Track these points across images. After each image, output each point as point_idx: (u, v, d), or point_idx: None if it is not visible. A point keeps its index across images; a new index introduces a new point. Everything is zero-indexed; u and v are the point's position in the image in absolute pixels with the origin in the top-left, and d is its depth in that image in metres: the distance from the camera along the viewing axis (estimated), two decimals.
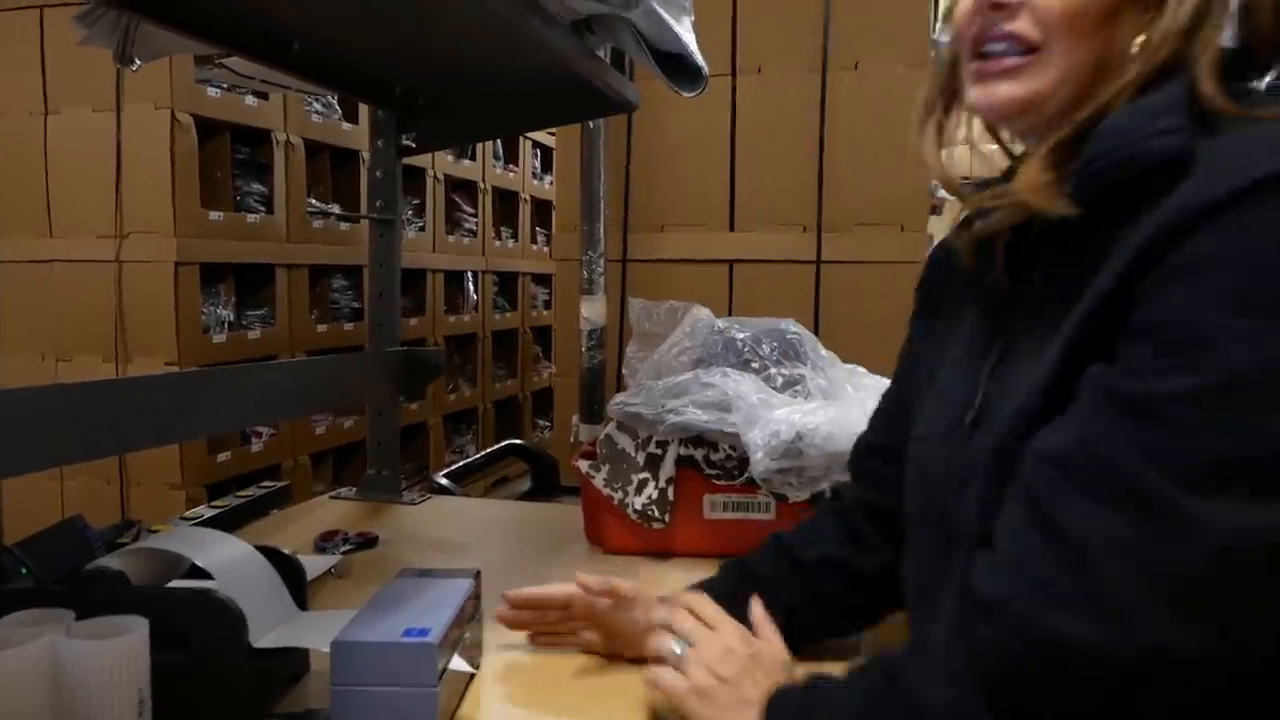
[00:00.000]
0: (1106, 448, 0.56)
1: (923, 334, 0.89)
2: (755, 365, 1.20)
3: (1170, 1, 0.64)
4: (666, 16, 1.16)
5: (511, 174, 4.07)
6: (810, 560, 0.92)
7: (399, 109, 1.53)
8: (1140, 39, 0.65)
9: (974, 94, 0.72)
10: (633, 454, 1.23)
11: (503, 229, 4.05)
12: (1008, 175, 0.78)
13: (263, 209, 2.38)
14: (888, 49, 2.25)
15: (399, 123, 1.54)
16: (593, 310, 2.27)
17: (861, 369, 1.29)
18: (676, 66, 1.28)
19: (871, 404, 1.17)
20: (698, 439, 1.20)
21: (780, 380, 1.19)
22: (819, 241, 2.26)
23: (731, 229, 2.33)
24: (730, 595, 0.92)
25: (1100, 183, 0.61)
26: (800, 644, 0.94)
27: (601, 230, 2.23)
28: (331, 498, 1.59)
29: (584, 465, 1.28)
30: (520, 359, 4.19)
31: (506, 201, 4.06)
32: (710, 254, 2.33)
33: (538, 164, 4.31)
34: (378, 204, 1.56)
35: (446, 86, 1.47)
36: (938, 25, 2.82)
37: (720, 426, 1.15)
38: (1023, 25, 0.68)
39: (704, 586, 0.95)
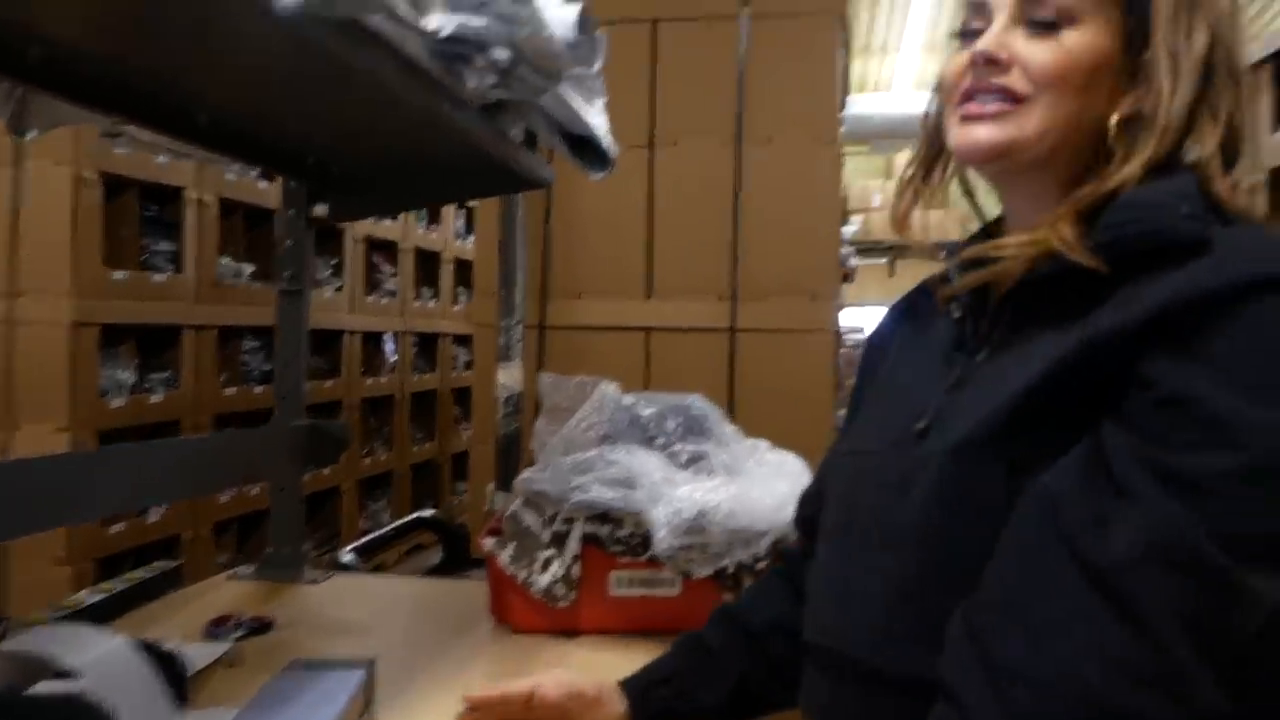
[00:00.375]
0: (1167, 524, 0.57)
1: (865, 383, 0.91)
2: (660, 441, 1.22)
3: (1161, 86, 0.70)
4: (576, 101, 1.18)
5: (434, 234, 4.06)
6: (760, 626, 0.92)
7: (311, 179, 1.51)
8: (1115, 117, 0.72)
9: (955, 135, 0.76)
10: (538, 531, 1.22)
11: (424, 289, 4.02)
12: (979, 237, 0.84)
13: (171, 268, 2.32)
14: (799, 125, 2.32)
15: (311, 192, 1.53)
16: (510, 377, 2.26)
17: (765, 444, 1.30)
18: (587, 147, 1.30)
19: (773, 480, 1.19)
20: (603, 516, 1.20)
21: (685, 457, 1.20)
22: (734, 309, 2.30)
23: (648, 297, 2.36)
24: (685, 671, 0.92)
25: (1128, 247, 0.66)
26: (753, 714, 0.93)
27: (519, 296, 2.22)
28: (228, 578, 1.53)
29: (489, 543, 1.26)
30: (439, 421, 4.13)
31: (428, 261, 4.04)
32: (627, 321, 2.35)
33: (461, 224, 4.31)
34: (286, 274, 1.53)
35: (360, 160, 1.46)
36: (845, 102, 2.93)
37: (625, 504, 1.15)
38: (1014, 80, 0.72)
39: (658, 665, 0.94)
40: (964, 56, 0.76)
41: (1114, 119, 0.71)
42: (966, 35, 0.77)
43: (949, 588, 0.66)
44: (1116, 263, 0.66)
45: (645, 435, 1.22)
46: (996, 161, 0.75)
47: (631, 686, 0.92)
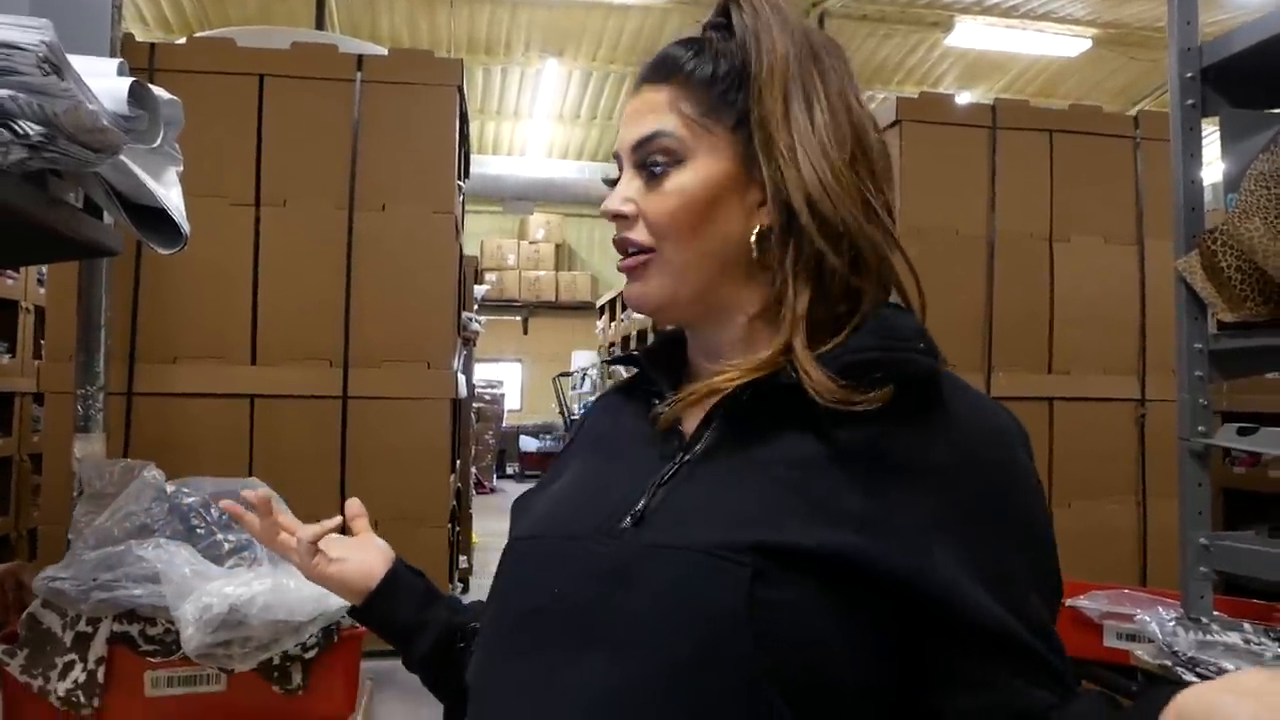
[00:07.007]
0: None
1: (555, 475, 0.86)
2: (201, 531, 1.17)
3: (783, 178, 0.71)
4: (140, 171, 1.11)
5: (10, 280, 3.56)
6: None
7: None
8: (752, 236, 0.72)
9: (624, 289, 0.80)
10: (59, 634, 1.12)
11: None
12: (662, 347, 0.83)
13: None
14: (414, 194, 2.35)
15: None
16: (88, 450, 2.02)
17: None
18: (161, 218, 1.22)
19: None
20: (132, 614, 1.13)
21: (226, 547, 1.17)
22: (345, 376, 2.25)
23: (254, 362, 2.24)
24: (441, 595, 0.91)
25: (891, 379, 0.67)
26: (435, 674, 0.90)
27: (102, 361, 2.01)
28: None
29: None
30: (15, 493, 3.60)
31: (4, 310, 3.53)
32: (229, 388, 2.21)
33: (44, 269, 3.81)
34: None
35: None
36: (466, 169, 3.02)
37: (154, 601, 1.09)
38: (639, 233, 0.74)
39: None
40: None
41: (752, 238, 0.73)
42: (613, 183, 0.78)
43: (667, 694, 0.62)
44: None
45: (187, 525, 1.16)
46: (660, 314, 0.77)
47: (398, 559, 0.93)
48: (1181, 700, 0.49)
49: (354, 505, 0.95)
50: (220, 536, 1.15)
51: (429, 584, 0.93)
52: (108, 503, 1.18)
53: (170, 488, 1.19)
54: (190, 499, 1.17)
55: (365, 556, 0.91)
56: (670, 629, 0.63)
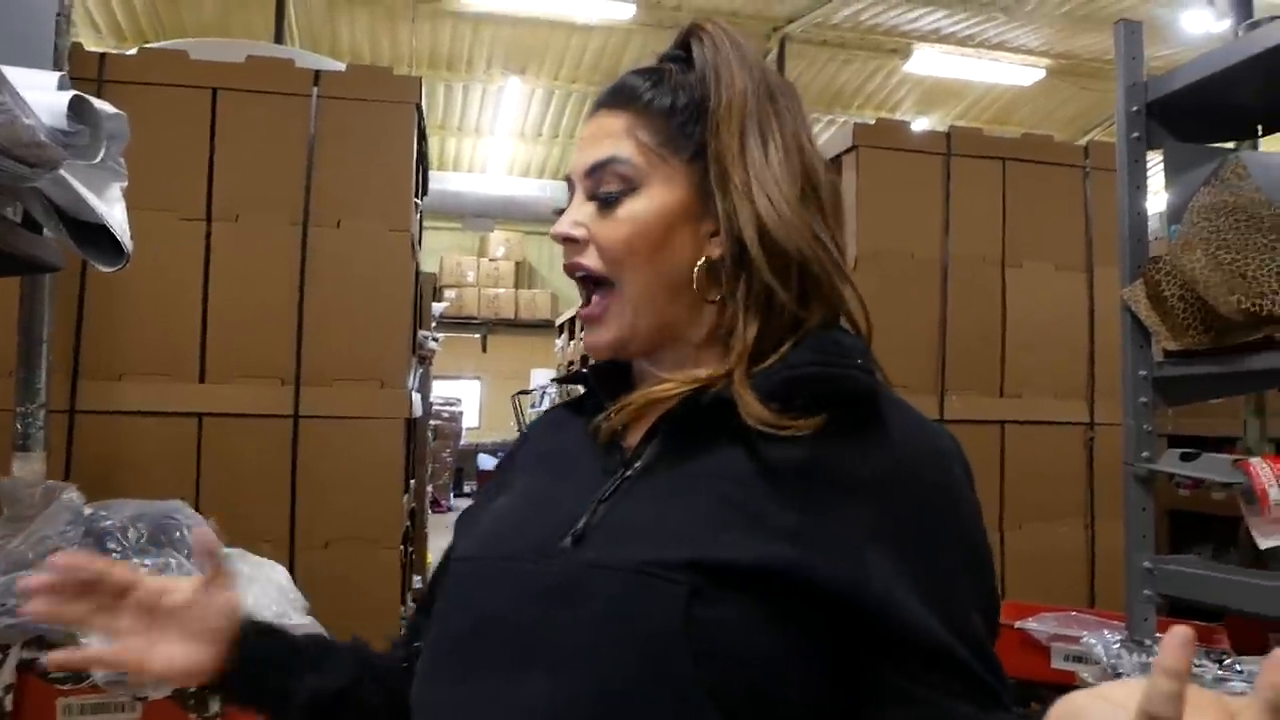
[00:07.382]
0: None
1: (495, 491, 0.85)
2: (118, 554, 1.14)
3: (737, 210, 0.71)
4: (80, 187, 1.09)
5: None
6: (380, 671, 0.82)
7: None
8: (698, 266, 0.72)
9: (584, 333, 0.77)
10: None
11: None
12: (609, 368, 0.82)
13: None
14: (371, 211, 2.32)
15: None
16: (27, 470, 1.97)
17: (240, 551, 1.27)
18: (102, 234, 1.20)
19: (243, 589, 1.15)
20: (41, 640, 1.10)
21: (144, 570, 1.14)
22: (297, 395, 2.22)
23: (202, 380, 2.19)
24: (304, 648, 0.80)
25: (824, 402, 0.67)
26: None
27: (44, 377, 1.96)
28: None
29: None
30: None
31: None
32: (177, 406, 2.16)
33: None
34: None
35: None
36: (424, 186, 3.00)
37: (61, 626, 1.06)
38: (590, 259, 0.73)
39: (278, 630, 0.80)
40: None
41: (695, 269, 0.73)
42: (563, 212, 0.77)
43: (607, 714, 0.62)
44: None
45: (102, 548, 1.13)
46: (622, 352, 0.77)
47: (246, 621, 0.79)
48: (1058, 707, 0.49)
49: (202, 540, 0.78)
50: (136, 560, 1.12)
51: (287, 643, 0.81)
52: (26, 525, 1.14)
53: (89, 510, 1.16)
54: (108, 522, 1.15)
55: (198, 643, 0.76)
56: (609, 648, 0.63)
